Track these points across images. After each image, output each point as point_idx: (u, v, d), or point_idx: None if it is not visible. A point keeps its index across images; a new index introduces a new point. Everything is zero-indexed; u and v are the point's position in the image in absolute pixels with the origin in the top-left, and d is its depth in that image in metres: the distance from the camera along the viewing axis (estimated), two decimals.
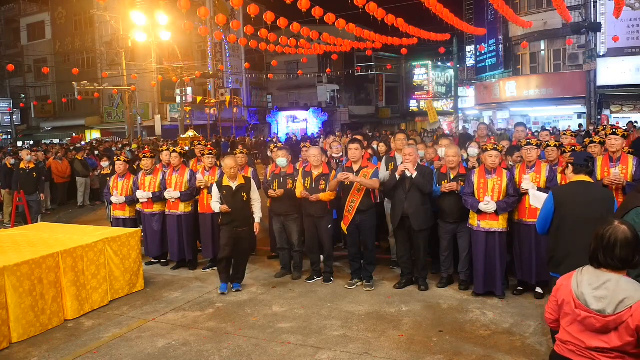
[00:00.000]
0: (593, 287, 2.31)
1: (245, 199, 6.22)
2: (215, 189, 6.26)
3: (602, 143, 6.19)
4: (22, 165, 11.21)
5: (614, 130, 5.65)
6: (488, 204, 5.47)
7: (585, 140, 6.58)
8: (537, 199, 4.69)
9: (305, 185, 6.37)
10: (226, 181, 6.19)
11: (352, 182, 6.03)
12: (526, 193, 5.52)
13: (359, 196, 6.08)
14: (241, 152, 7.83)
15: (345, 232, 6.35)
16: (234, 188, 6.17)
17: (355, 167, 6.18)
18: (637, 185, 3.04)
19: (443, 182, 6.03)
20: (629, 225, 2.35)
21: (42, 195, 11.61)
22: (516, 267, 5.86)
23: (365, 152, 6.91)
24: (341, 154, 7.98)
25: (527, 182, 5.51)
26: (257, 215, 6.39)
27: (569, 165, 3.83)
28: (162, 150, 7.94)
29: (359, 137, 7.23)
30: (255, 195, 6.40)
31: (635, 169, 5.41)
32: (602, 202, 3.69)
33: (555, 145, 6.02)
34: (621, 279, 2.29)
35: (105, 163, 10.33)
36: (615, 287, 2.26)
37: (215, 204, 6.23)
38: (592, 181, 3.91)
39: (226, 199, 6.12)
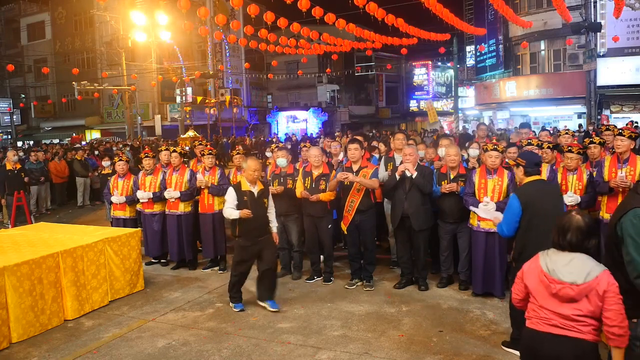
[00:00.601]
0: (562, 264, 2.73)
1: (265, 205, 5.66)
2: (232, 194, 5.53)
3: (602, 144, 6.17)
4: (8, 167, 11.16)
5: (620, 131, 5.55)
6: (487, 205, 5.47)
7: (585, 140, 6.57)
8: (485, 212, 5.05)
9: (306, 185, 6.37)
10: (246, 185, 5.54)
11: (352, 182, 6.03)
12: None
13: (359, 196, 6.08)
14: (238, 153, 7.84)
15: (345, 232, 6.35)
16: (255, 193, 5.56)
17: (355, 167, 6.18)
18: (636, 185, 3.03)
19: (443, 182, 6.04)
20: (585, 215, 2.78)
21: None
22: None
23: (365, 152, 6.91)
24: (341, 154, 7.98)
25: None
26: (275, 224, 5.82)
27: (520, 167, 4.18)
28: (161, 150, 7.94)
29: (358, 138, 7.22)
30: (272, 202, 5.86)
31: None
32: (556, 196, 4.22)
33: (548, 147, 6.02)
34: (583, 256, 2.73)
35: (106, 163, 10.33)
36: (580, 263, 2.70)
37: (231, 210, 5.47)
38: (544, 178, 4.33)
39: (247, 205, 5.46)
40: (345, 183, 6.11)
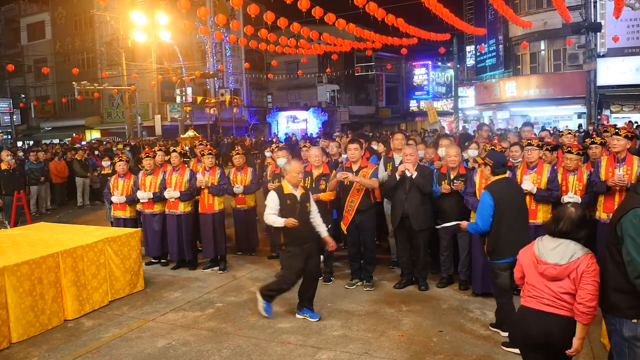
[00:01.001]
0: (550, 248, 3.10)
1: (308, 210, 5.26)
2: (274, 198, 5.11)
3: (603, 144, 6.16)
4: (3, 167, 11.16)
5: (617, 130, 5.59)
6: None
7: (586, 140, 6.56)
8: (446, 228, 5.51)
9: (306, 185, 6.37)
10: (288, 188, 5.16)
11: (352, 182, 6.03)
12: (527, 194, 5.52)
13: (359, 196, 6.08)
14: (237, 153, 7.85)
15: (345, 232, 6.35)
16: (298, 197, 5.18)
17: (355, 167, 6.17)
18: (635, 185, 3.03)
19: (443, 182, 6.04)
20: (578, 209, 3.13)
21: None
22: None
23: (366, 152, 6.92)
24: (340, 154, 7.97)
25: (527, 183, 5.51)
26: (324, 228, 5.40)
27: (488, 166, 4.54)
28: (156, 151, 7.91)
29: (358, 138, 7.22)
30: (315, 206, 5.43)
31: None
32: (520, 193, 4.69)
33: (547, 149, 6.01)
34: (570, 242, 3.05)
35: (106, 163, 10.33)
36: (566, 248, 3.05)
37: (274, 217, 5.07)
38: (509, 176, 4.76)
39: (291, 210, 5.08)
40: (345, 183, 6.11)
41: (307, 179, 6.39)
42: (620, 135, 5.44)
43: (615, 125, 7.14)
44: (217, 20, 13.15)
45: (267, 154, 9.11)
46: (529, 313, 3.15)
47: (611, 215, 3.49)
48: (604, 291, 2.93)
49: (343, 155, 7.86)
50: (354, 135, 9.73)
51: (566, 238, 3.07)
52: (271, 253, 7.75)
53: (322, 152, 6.89)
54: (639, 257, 2.70)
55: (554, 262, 3.05)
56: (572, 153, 5.61)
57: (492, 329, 4.88)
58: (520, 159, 6.37)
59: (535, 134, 8.80)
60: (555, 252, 3.06)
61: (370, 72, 38.93)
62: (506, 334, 4.64)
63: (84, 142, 24.45)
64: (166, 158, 7.90)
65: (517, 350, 3.89)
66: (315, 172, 6.39)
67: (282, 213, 5.07)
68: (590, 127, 17.97)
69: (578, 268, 2.95)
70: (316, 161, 6.38)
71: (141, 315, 5.64)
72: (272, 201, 5.12)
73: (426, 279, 6.17)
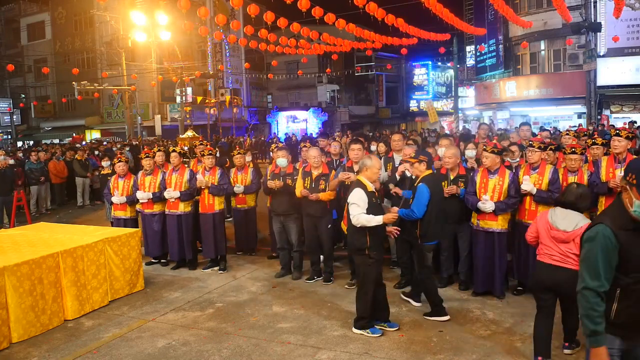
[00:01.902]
0: (560, 217, 4.05)
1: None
2: (362, 196, 4.63)
3: (605, 144, 6.15)
4: None
5: (617, 131, 5.60)
6: (485, 203, 5.48)
7: (587, 140, 6.55)
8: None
9: (305, 185, 6.38)
10: (369, 186, 4.78)
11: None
12: (527, 194, 5.53)
13: None
14: (239, 153, 7.85)
15: (345, 232, 6.34)
16: (376, 194, 4.88)
17: (356, 168, 6.17)
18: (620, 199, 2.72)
19: (442, 184, 6.02)
20: (581, 186, 4.23)
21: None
22: (515, 268, 5.86)
23: (365, 152, 6.91)
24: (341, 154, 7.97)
25: (527, 184, 5.51)
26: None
27: (423, 162, 5.21)
28: (155, 152, 7.91)
29: (361, 139, 7.23)
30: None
31: None
32: (440, 185, 5.50)
33: (551, 149, 6.00)
34: (575, 213, 4.03)
35: (105, 163, 10.32)
36: (572, 217, 4.01)
37: (365, 215, 4.59)
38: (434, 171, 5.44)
39: (376, 209, 4.69)
40: (347, 183, 6.11)
41: (306, 178, 6.40)
42: (621, 136, 5.46)
43: (613, 125, 7.14)
44: (217, 20, 13.13)
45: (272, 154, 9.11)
46: (542, 266, 4.08)
47: None
48: None
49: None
50: (356, 136, 9.74)
51: (571, 209, 4.02)
52: (271, 253, 7.75)
53: (321, 152, 6.89)
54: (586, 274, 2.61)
55: (562, 228, 3.99)
56: (576, 153, 5.60)
57: (404, 297, 5.65)
58: (517, 159, 6.38)
59: (533, 134, 8.78)
60: (564, 220, 4.00)
61: (370, 72, 38.94)
62: (418, 304, 5.47)
63: (84, 142, 24.46)
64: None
65: (444, 318, 5.10)
66: (315, 172, 6.39)
67: (368, 212, 4.64)
68: (591, 127, 17.95)
69: (580, 234, 3.25)
70: (315, 162, 6.38)
71: (141, 315, 5.64)
72: (361, 200, 4.62)
73: None
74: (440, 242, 6.16)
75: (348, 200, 4.74)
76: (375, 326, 4.88)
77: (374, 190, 4.78)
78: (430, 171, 5.20)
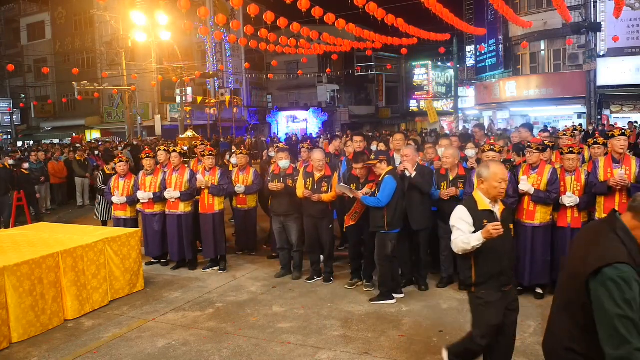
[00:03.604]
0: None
1: (512, 234, 3.75)
2: (465, 215, 3.46)
3: (605, 144, 6.15)
4: None
5: (623, 131, 5.61)
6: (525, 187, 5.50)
7: (589, 140, 6.56)
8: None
9: (307, 186, 6.37)
10: (484, 203, 3.48)
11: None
12: (525, 194, 5.53)
13: (363, 208, 6.02)
14: (241, 153, 7.85)
15: (345, 231, 6.35)
16: (498, 215, 3.50)
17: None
18: (614, 220, 2.38)
19: (442, 184, 6.03)
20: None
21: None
22: (514, 267, 5.84)
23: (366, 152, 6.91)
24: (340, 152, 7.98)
25: (524, 184, 5.52)
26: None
27: (383, 162, 5.69)
28: (160, 150, 7.93)
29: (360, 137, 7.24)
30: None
31: (639, 170, 5.34)
32: (403, 177, 5.89)
33: (538, 149, 6.00)
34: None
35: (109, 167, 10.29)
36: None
37: (463, 237, 3.39)
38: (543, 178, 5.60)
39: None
40: (349, 196, 6.06)
41: (308, 179, 6.40)
42: (626, 135, 5.54)
43: (613, 125, 7.15)
44: (217, 20, 13.14)
45: (272, 154, 9.11)
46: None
47: None
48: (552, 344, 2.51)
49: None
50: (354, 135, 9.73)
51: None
52: (271, 253, 7.75)
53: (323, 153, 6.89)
54: (627, 334, 2.09)
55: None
56: (574, 153, 5.61)
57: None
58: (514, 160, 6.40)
59: (534, 136, 8.78)
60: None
61: (370, 72, 38.89)
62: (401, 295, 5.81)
63: (84, 143, 24.45)
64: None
65: (390, 302, 5.63)
66: (317, 174, 6.39)
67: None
68: (591, 127, 17.95)
69: None
70: (319, 166, 6.37)
71: (141, 315, 5.64)
72: (462, 221, 3.45)
73: (426, 279, 6.17)
74: (440, 242, 6.21)
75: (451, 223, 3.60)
76: None
77: (492, 209, 3.47)
78: (391, 167, 5.78)
